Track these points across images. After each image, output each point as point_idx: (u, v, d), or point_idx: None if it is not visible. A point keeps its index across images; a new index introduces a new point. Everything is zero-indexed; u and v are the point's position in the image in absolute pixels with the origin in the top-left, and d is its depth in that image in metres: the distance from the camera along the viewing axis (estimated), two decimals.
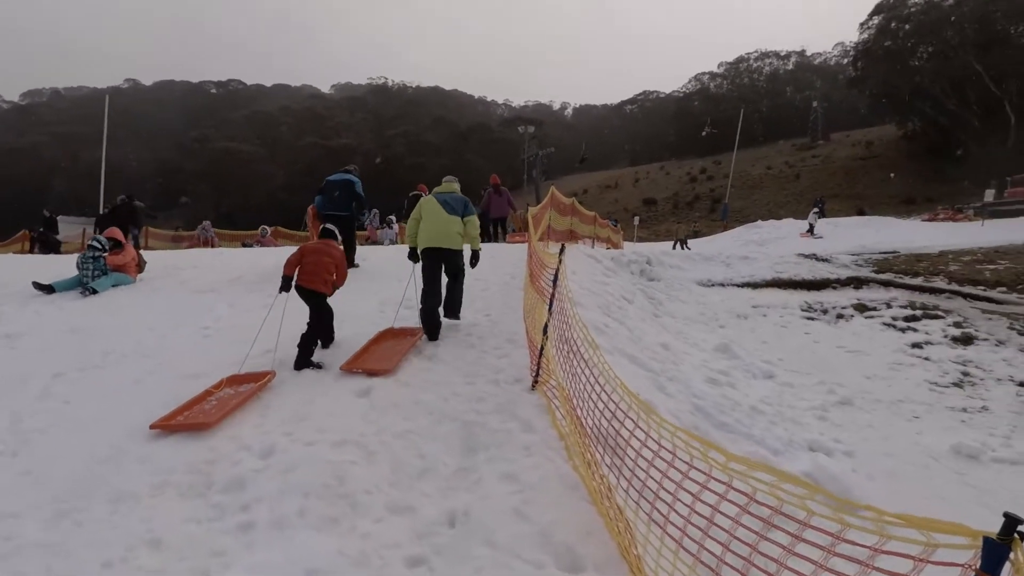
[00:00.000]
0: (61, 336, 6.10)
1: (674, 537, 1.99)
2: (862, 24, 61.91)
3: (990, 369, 7.20)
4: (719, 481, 1.76)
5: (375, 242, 15.74)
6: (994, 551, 1.18)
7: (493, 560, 2.60)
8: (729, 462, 1.64)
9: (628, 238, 30.82)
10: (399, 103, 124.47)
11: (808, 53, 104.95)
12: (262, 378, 4.64)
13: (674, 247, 25.94)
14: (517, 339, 5.33)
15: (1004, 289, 9.69)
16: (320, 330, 5.11)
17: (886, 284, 10.76)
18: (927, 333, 8.47)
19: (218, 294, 7.48)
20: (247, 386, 4.56)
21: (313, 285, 5.02)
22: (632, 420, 2.42)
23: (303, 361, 4.87)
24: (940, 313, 9.11)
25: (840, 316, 9.48)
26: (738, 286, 11.28)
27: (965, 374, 7.12)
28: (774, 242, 22.02)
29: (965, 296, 9.66)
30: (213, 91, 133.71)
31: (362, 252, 9.87)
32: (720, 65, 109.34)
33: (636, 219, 42.65)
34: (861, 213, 32.69)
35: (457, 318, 5.85)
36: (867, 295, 10.32)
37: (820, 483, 3.94)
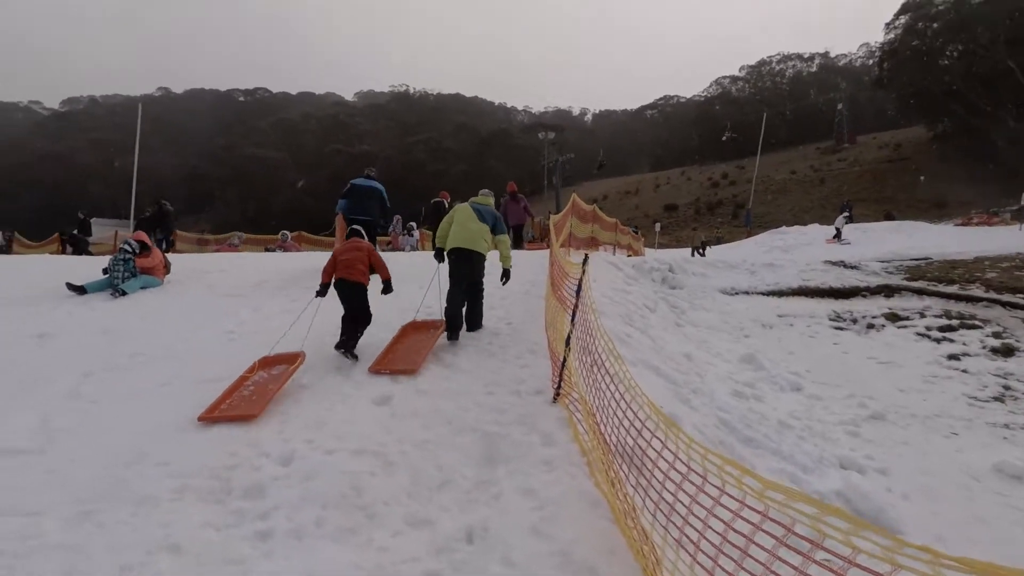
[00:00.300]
0: (91, 337, 6.19)
1: (705, 567, 1.90)
2: (888, 24, 60.85)
3: None
4: (754, 510, 1.66)
5: (397, 248, 15.81)
6: None
7: None
8: (766, 490, 1.54)
9: (649, 245, 30.59)
10: (421, 110, 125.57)
11: (832, 55, 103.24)
12: (294, 360, 4.85)
13: (692, 254, 25.64)
14: (538, 349, 5.25)
15: None
16: (364, 321, 5.40)
17: (919, 292, 10.43)
18: (964, 344, 8.17)
19: (243, 298, 7.54)
20: (280, 367, 4.82)
21: (352, 276, 5.32)
22: (659, 439, 2.33)
23: (350, 343, 5.18)
24: (978, 323, 8.80)
25: (871, 326, 9.21)
26: (763, 294, 11.05)
27: (1007, 388, 6.84)
28: (800, 248, 21.62)
29: (1004, 304, 9.31)
30: (241, 99, 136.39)
31: (384, 258, 9.88)
32: (742, 68, 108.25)
33: (657, 225, 42.26)
34: (890, 218, 31.96)
35: (479, 327, 5.99)
36: (899, 304, 10.01)
37: (853, 502, 3.80)
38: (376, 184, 8.86)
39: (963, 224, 27.73)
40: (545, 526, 2.87)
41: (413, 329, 5.80)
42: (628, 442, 2.73)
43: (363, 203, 8.63)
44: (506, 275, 6.08)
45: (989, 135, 49.79)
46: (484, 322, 6.05)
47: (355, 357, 5.13)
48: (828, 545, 1.41)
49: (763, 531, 1.67)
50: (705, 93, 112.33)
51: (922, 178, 51.31)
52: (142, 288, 7.90)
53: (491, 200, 6.21)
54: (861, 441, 5.41)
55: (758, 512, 1.66)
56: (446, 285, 5.77)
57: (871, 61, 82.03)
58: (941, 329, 8.73)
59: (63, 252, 17.83)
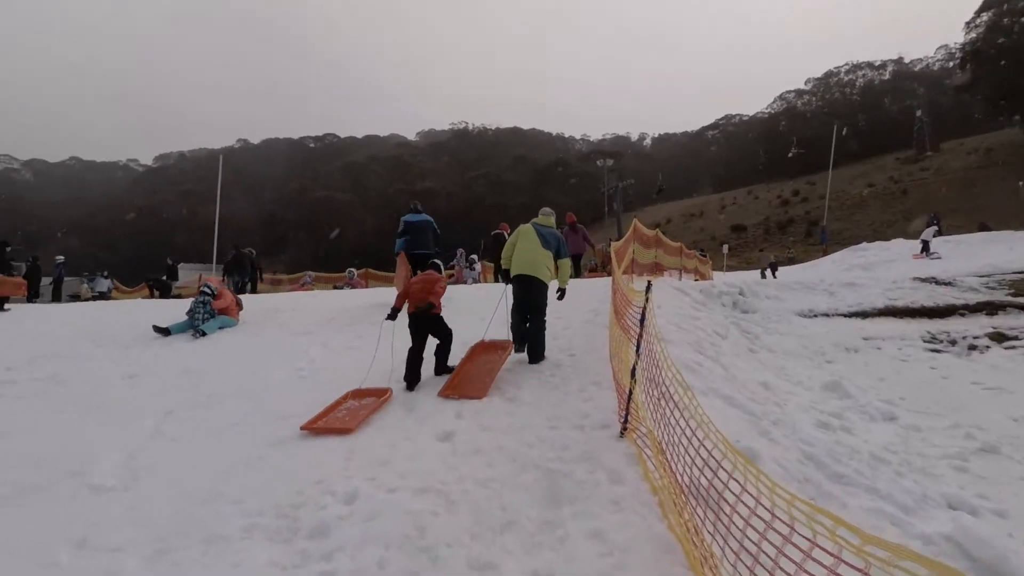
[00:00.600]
0: (174, 377, 6.52)
1: None
2: (968, 23, 57.44)
3: None
4: (851, 566, 1.45)
5: (460, 281, 16.01)
6: None
7: None
8: (865, 545, 1.34)
9: (717, 268, 29.62)
10: (480, 145, 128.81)
11: (907, 60, 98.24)
12: (382, 394, 5.20)
13: (762, 276, 24.54)
14: (602, 381, 5.07)
15: None
16: (445, 340, 5.72)
17: None
18: None
19: (312, 336, 7.76)
20: (369, 400, 5.13)
21: (424, 303, 5.56)
22: (738, 480, 2.13)
23: (442, 369, 5.65)
24: None
25: (973, 347, 8.39)
26: (845, 316, 10.34)
27: None
28: (882, 265, 20.28)
29: None
30: (311, 145, 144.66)
31: (447, 291, 9.98)
32: (807, 82, 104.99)
33: (725, 247, 40.97)
34: (984, 228, 29.48)
35: (542, 359, 5.93)
36: (1005, 322, 9.10)
37: (967, 548, 3.37)
38: (426, 216, 9.13)
39: None
40: (615, 574, 2.68)
41: (482, 350, 6.01)
42: (703, 482, 2.53)
43: (420, 238, 8.90)
44: (561, 293, 6.22)
45: None
46: (546, 353, 5.97)
47: (451, 368, 5.63)
48: None
49: None
50: (769, 109, 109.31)
51: (1021, 183, 47.25)
52: (220, 328, 8.31)
53: (552, 219, 6.28)
54: (971, 477, 4.85)
55: (858, 570, 1.45)
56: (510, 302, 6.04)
57: (951, 63, 77.42)
58: None
59: (151, 296, 19.24)
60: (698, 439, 2.58)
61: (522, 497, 3.43)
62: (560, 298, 6.19)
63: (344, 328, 7.95)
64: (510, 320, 5.99)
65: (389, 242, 9.33)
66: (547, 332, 6.11)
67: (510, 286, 6.08)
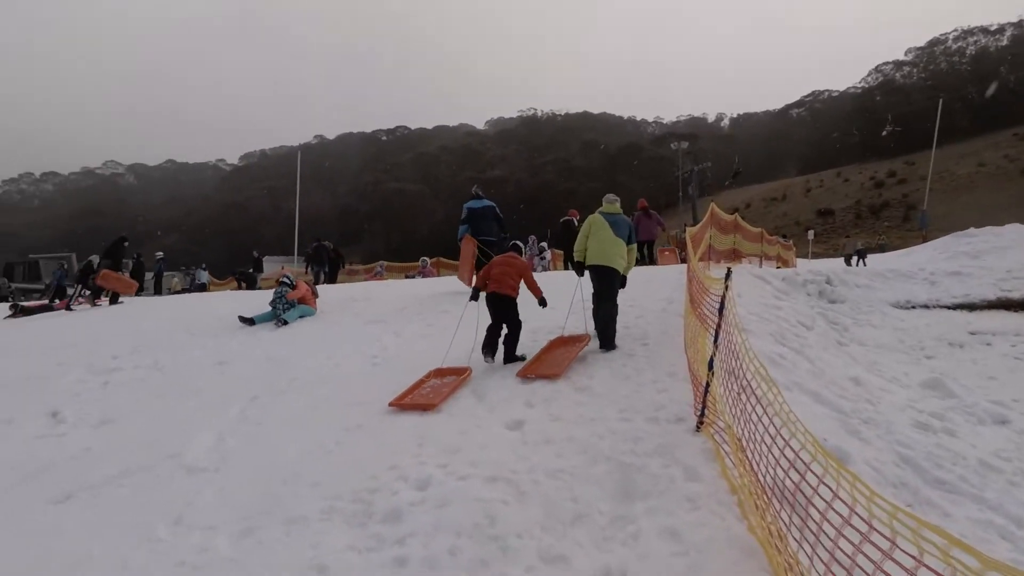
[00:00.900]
0: (258, 364, 6.88)
1: None
2: None
3: None
4: None
5: (531, 270, 15.99)
6: None
7: None
8: (987, 572, 1.18)
9: (801, 255, 28.08)
10: (549, 131, 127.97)
11: None
12: (462, 373, 5.42)
13: (848, 263, 22.94)
14: (677, 372, 4.89)
15: None
16: (515, 329, 5.82)
17: None
18: None
19: (385, 324, 7.97)
20: (450, 378, 5.35)
21: (502, 290, 5.74)
22: (830, 488, 1.96)
23: (510, 356, 5.72)
24: None
25: None
26: (948, 308, 9.50)
27: None
28: (993, 253, 18.38)
29: None
30: (384, 138, 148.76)
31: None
32: (908, 52, 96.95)
33: (810, 233, 38.66)
34: None
35: (613, 347, 5.86)
36: None
37: None
38: (488, 202, 9.19)
39: None
40: None
41: (560, 343, 6.10)
42: (788, 484, 2.36)
43: (483, 224, 8.98)
44: (623, 281, 6.23)
45: None
46: (618, 341, 5.88)
47: (523, 357, 5.70)
48: None
49: None
50: (862, 84, 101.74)
51: None
52: (300, 317, 8.70)
53: (618, 205, 6.30)
54: None
55: None
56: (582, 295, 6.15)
57: None
58: None
59: (238, 288, 20.51)
60: (783, 438, 2.41)
61: (593, 490, 3.36)
62: (622, 287, 6.15)
63: (415, 317, 8.12)
64: (590, 312, 6.09)
65: (457, 231, 9.37)
66: (620, 321, 6.10)
67: (584, 277, 6.17)
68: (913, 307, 9.74)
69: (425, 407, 4.73)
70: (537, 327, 6.47)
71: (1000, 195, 51.33)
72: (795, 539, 2.30)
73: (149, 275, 21.21)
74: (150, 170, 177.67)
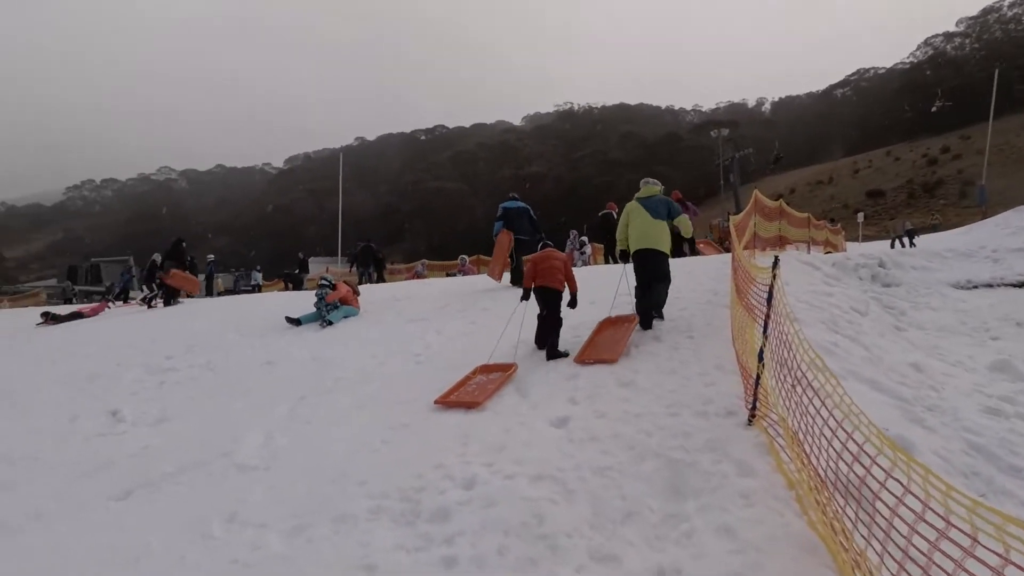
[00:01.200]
0: (305, 363, 7.02)
1: None
2: None
3: None
4: None
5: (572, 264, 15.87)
6: None
7: None
8: None
9: (851, 239, 27.02)
10: (586, 124, 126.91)
11: None
12: (508, 369, 5.44)
13: (894, 244, 21.95)
14: (725, 365, 4.74)
15: None
16: (557, 325, 5.87)
17: None
18: None
19: (428, 323, 8.02)
20: (496, 375, 5.38)
21: (550, 284, 5.88)
22: (900, 483, 1.84)
23: (553, 353, 5.72)
24: None
25: None
26: (1014, 286, 8.98)
27: None
28: None
29: None
30: (423, 138, 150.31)
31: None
32: (959, 22, 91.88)
33: (860, 216, 37.12)
34: None
35: (660, 316, 6.21)
36: None
37: None
38: (522, 204, 9.77)
39: None
40: (750, 574, 2.47)
41: (609, 324, 6.17)
42: (852, 478, 2.24)
43: (517, 223, 9.53)
44: (692, 245, 6.54)
45: None
46: (663, 335, 5.78)
47: (565, 353, 5.68)
48: None
49: None
50: (910, 59, 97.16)
51: None
52: (344, 318, 8.84)
53: (656, 188, 6.37)
54: None
55: None
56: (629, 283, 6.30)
57: None
58: None
59: (285, 289, 21.07)
60: (845, 430, 2.28)
61: (642, 487, 3.28)
62: (692, 249, 6.38)
63: (457, 315, 8.14)
64: (635, 300, 6.21)
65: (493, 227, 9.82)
66: (664, 313, 6.25)
67: (630, 265, 6.31)
68: (975, 287, 9.24)
69: (470, 405, 4.76)
70: (578, 323, 6.40)
71: None
72: (862, 535, 2.18)
73: (201, 276, 22.04)
74: (201, 175, 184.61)
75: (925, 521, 1.71)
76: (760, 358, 3.51)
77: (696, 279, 7.85)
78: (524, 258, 9.03)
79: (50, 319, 12.67)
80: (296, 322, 8.78)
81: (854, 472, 2.21)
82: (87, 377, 7.51)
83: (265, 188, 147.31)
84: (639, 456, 3.60)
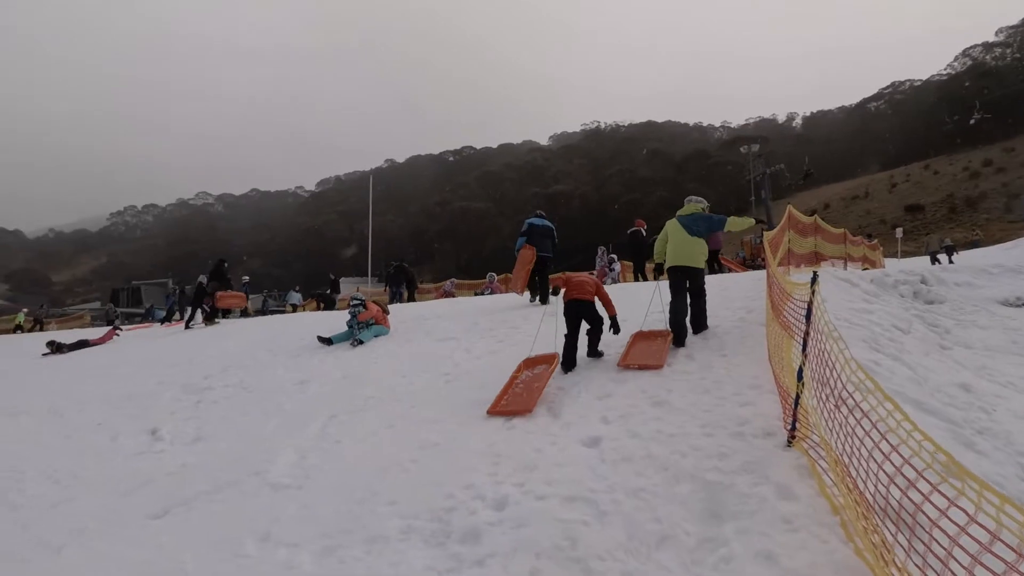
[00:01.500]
0: (336, 382, 7.08)
1: None
2: None
3: None
4: None
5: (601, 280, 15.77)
6: None
7: None
8: None
9: (889, 254, 26.29)
10: (613, 143, 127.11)
11: None
12: (551, 360, 5.74)
13: (934, 260, 21.28)
14: (761, 384, 4.60)
15: None
16: (597, 326, 6.11)
17: None
18: None
19: (457, 342, 8.03)
20: (540, 367, 5.71)
21: (582, 296, 6.09)
22: (967, 513, 1.73)
23: (593, 351, 6.06)
24: None
25: None
26: None
27: None
28: None
29: None
30: (451, 159, 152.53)
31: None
32: (999, 32, 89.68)
33: (898, 231, 36.10)
34: None
35: (705, 328, 6.30)
36: None
37: None
38: (548, 223, 9.74)
39: None
40: None
41: (641, 338, 6.29)
42: (907, 504, 2.12)
43: (541, 241, 9.49)
44: (761, 223, 6.49)
45: None
46: (694, 354, 5.67)
47: (601, 353, 6.05)
48: None
49: None
50: (948, 70, 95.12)
51: None
52: (375, 337, 8.91)
53: (698, 206, 6.45)
54: None
55: None
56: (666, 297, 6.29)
57: None
58: None
59: (317, 309, 21.43)
60: (901, 455, 2.16)
61: (678, 510, 3.19)
62: (761, 225, 6.52)
63: (485, 333, 8.13)
64: (668, 315, 6.20)
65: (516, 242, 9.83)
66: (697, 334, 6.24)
67: (663, 281, 6.45)
68: None
69: (520, 412, 4.90)
70: (611, 340, 6.33)
71: None
72: (916, 564, 2.06)
73: None
74: (237, 199, 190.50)
75: (993, 553, 1.61)
76: (799, 377, 3.40)
77: (729, 296, 7.71)
78: (553, 277, 9.00)
79: (55, 349, 12.57)
80: (328, 341, 8.89)
81: (908, 498, 2.10)
82: (128, 396, 7.70)
83: (298, 211, 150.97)
84: (674, 478, 3.50)
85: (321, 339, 8.96)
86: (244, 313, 14.43)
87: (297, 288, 27.35)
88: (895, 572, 2.19)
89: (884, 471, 2.28)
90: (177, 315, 18.23)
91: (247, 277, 24.65)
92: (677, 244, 6.23)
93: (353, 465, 4.57)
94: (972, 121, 60.96)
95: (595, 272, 16.91)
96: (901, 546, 2.22)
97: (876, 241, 21.71)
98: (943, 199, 59.97)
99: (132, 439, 6.13)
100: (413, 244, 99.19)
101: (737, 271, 15.68)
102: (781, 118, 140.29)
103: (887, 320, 7.13)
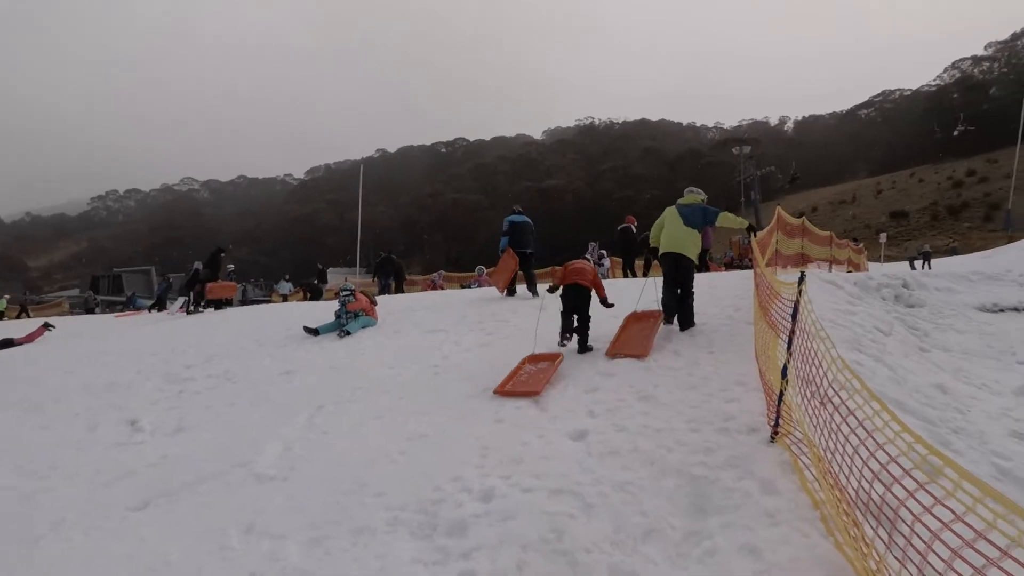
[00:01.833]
0: (323, 373, 7.03)
1: None
2: None
3: None
4: None
5: None
6: None
7: None
8: None
9: (873, 258, 26.65)
10: (607, 140, 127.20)
11: None
12: (555, 358, 5.76)
13: (912, 267, 21.81)
14: (747, 381, 4.66)
15: None
16: (586, 320, 6.26)
17: None
18: None
19: (446, 334, 8.01)
20: (544, 364, 5.74)
21: (578, 280, 6.31)
22: (953, 511, 1.78)
23: (583, 347, 6.15)
24: None
25: None
26: None
27: None
28: None
29: None
30: (443, 150, 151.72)
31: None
32: (988, 46, 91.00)
33: (882, 236, 36.56)
34: None
35: (692, 325, 6.37)
36: None
37: None
38: (527, 218, 10.07)
39: None
40: None
41: (635, 319, 6.57)
42: (890, 499, 2.16)
43: (523, 237, 9.81)
44: (752, 230, 6.55)
45: None
46: (682, 351, 5.71)
47: (591, 347, 6.12)
48: None
49: None
50: (937, 81, 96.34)
51: None
52: (363, 328, 8.87)
53: (697, 197, 6.61)
54: None
55: None
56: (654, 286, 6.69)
57: None
58: None
59: (305, 299, 21.28)
60: (888, 453, 2.20)
61: (663, 504, 3.23)
62: (752, 231, 6.53)
63: (474, 326, 8.12)
64: (660, 296, 6.48)
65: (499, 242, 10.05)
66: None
67: (654, 277, 6.81)
68: (1001, 310, 9.05)
69: (528, 393, 5.00)
70: (600, 335, 6.36)
71: None
72: (896, 558, 2.11)
73: None
74: (223, 185, 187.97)
75: (975, 549, 1.65)
76: (784, 374, 3.45)
77: (717, 295, 7.78)
78: (554, 268, 9.23)
79: None
80: (314, 332, 8.83)
81: (892, 494, 2.14)
82: (108, 385, 7.57)
83: (286, 199, 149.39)
84: (660, 472, 3.54)
85: (308, 329, 8.90)
86: (228, 303, 14.22)
87: (287, 277, 27.16)
88: (874, 565, 2.24)
89: (869, 467, 2.32)
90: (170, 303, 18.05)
91: (232, 266, 24.42)
92: (672, 231, 6.40)
93: (340, 456, 4.54)
94: (956, 133, 61.75)
95: None
96: (882, 540, 2.27)
97: (861, 245, 22.00)
98: (927, 206, 60.91)
99: (111, 429, 6.00)
100: (403, 235, 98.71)
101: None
102: (773, 121, 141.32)
103: (869, 322, 7.25)
